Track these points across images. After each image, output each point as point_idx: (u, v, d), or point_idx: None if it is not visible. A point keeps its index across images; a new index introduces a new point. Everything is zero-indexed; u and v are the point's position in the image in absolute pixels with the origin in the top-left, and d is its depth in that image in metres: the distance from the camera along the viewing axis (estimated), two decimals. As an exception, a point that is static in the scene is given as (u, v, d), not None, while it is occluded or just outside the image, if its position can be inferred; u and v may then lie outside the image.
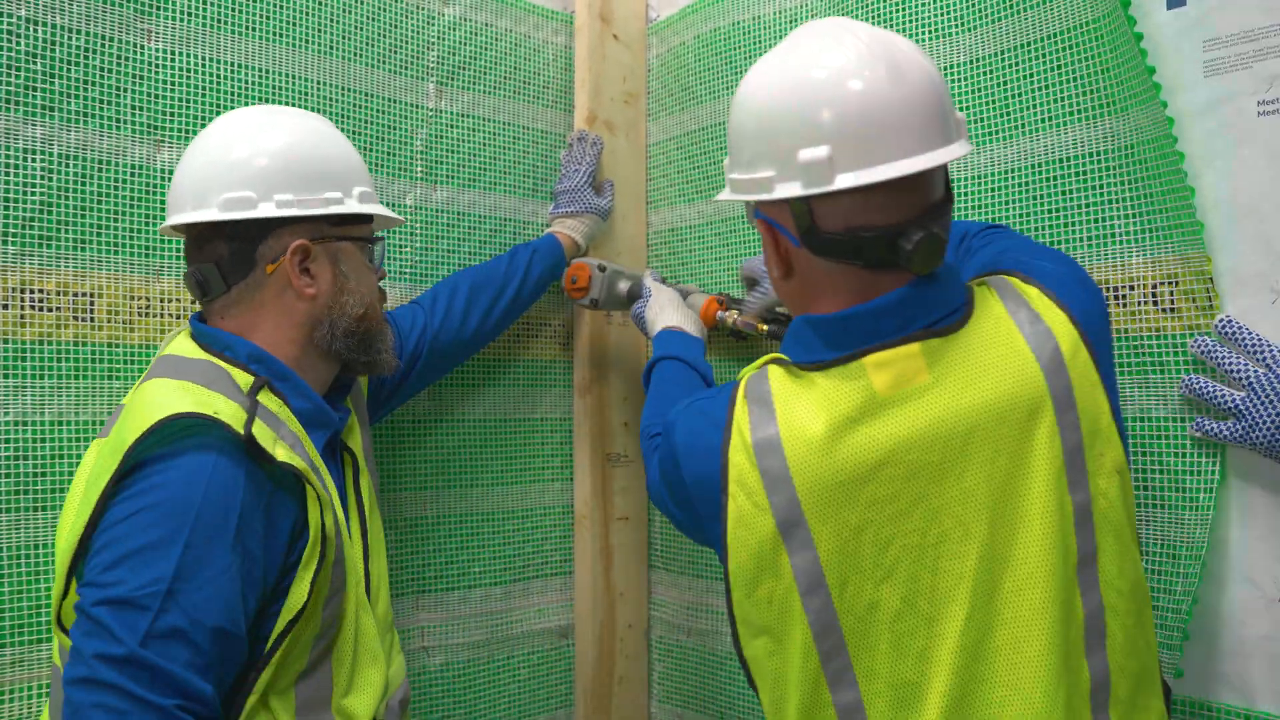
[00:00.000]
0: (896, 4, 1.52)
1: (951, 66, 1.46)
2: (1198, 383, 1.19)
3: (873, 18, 1.54)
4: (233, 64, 1.49)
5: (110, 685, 0.96)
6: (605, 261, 1.72)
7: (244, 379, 1.15)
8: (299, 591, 1.09)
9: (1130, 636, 0.98)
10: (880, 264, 0.99)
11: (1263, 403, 1.13)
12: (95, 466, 1.10)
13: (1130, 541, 0.99)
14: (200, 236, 1.20)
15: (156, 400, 1.07)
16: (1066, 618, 0.95)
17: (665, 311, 1.57)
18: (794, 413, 1.00)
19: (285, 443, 1.12)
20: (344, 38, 1.61)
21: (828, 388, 0.99)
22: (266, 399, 1.15)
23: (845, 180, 0.95)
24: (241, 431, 1.05)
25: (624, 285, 1.70)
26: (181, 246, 1.42)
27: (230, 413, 1.07)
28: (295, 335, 1.21)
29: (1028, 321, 1.00)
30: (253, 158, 1.17)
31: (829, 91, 0.96)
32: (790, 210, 1.01)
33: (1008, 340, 0.99)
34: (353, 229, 1.26)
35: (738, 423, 1.02)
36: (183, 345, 1.19)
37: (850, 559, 0.97)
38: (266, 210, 1.17)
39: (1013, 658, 0.95)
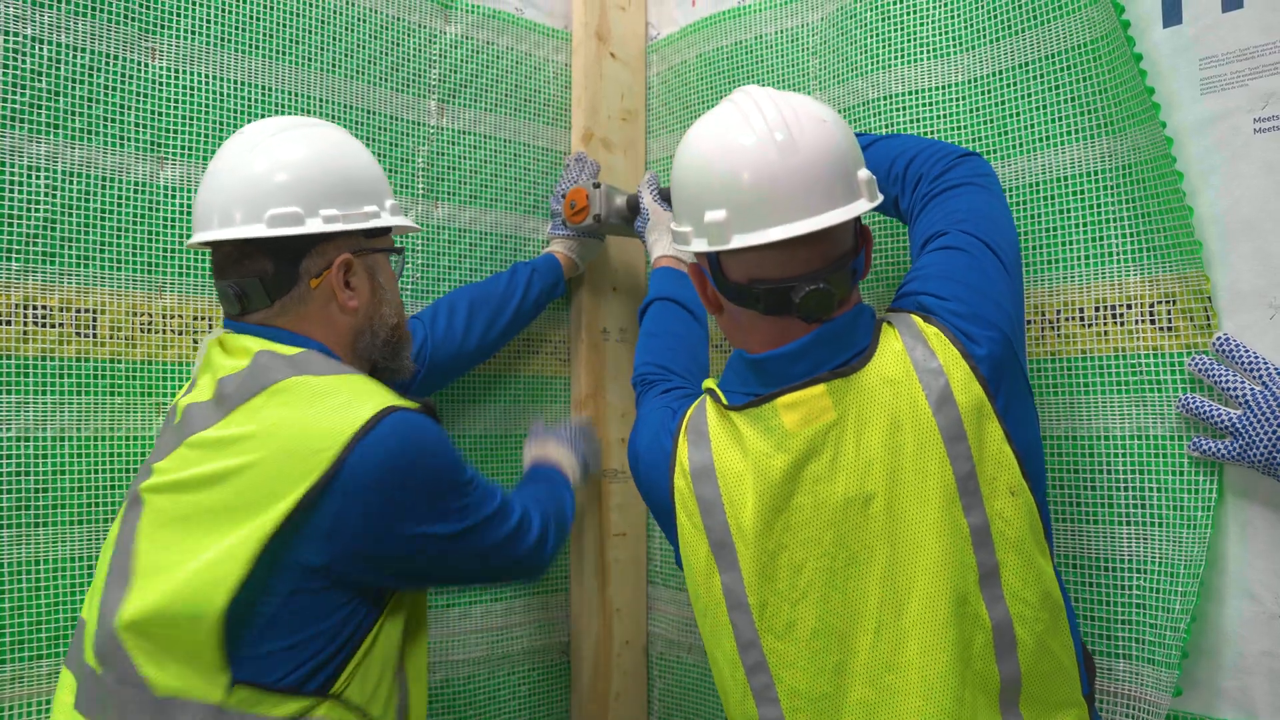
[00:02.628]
0: (895, 25, 1.53)
1: (951, 86, 1.47)
2: (1194, 401, 1.20)
3: (872, 38, 1.55)
4: (236, 82, 1.50)
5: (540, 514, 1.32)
6: (598, 180, 1.74)
7: None
8: None
9: (1041, 642, 1.06)
10: (778, 311, 1.10)
11: (1259, 420, 1.13)
12: (251, 477, 1.07)
13: (1035, 555, 1.07)
14: (240, 251, 1.19)
15: (338, 398, 1.11)
16: (970, 628, 1.05)
17: (662, 239, 1.62)
18: (723, 446, 1.13)
19: None
20: (347, 56, 1.62)
21: (746, 426, 1.11)
22: None
23: (739, 241, 1.08)
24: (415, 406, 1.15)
25: (621, 199, 1.72)
26: (187, 262, 1.44)
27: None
28: (340, 344, 1.23)
29: (922, 359, 1.09)
30: (295, 172, 1.18)
31: (729, 163, 1.08)
32: (706, 260, 1.15)
33: (904, 378, 1.08)
34: (384, 240, 1.28)
35: (679, 453, 1.17)
36: (265, 344, 1.17)
37: (769, 582, 1.09)
38: (314, 226, 1.18)
39: (924, 669, 1.04)
